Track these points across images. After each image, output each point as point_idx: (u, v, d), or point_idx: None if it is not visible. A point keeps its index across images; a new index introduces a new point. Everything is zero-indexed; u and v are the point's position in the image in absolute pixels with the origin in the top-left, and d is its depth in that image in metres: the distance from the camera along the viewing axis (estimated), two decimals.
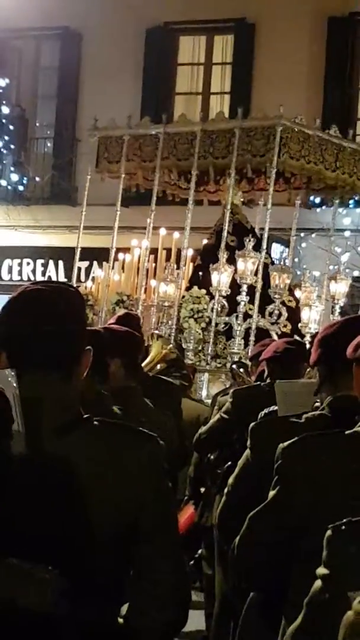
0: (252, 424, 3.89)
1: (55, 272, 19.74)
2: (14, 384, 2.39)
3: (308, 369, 7.11)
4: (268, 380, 5.71)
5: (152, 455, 2.53)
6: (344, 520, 2.17)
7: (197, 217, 12.56)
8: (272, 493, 2.94)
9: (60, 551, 2.39)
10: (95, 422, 2.52)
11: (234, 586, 5.18)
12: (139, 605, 2.50)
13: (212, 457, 7.06)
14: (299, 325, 11.89)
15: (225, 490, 3.98)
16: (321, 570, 2.23)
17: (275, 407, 4.25)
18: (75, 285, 11.49)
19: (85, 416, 2.53)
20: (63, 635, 2.37)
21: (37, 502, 2.40)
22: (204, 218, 12.93)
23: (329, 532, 2.20)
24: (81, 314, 2.64)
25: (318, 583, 2.24)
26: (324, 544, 2.21)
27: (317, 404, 3.67)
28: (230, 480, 3.97)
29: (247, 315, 11.71)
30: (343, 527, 2.17)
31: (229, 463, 6.06)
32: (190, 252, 12.79)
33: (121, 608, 2.52)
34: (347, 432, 2.86)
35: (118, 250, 13.22)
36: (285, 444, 2.92)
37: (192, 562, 8.13)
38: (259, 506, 2.99)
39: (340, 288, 12.51)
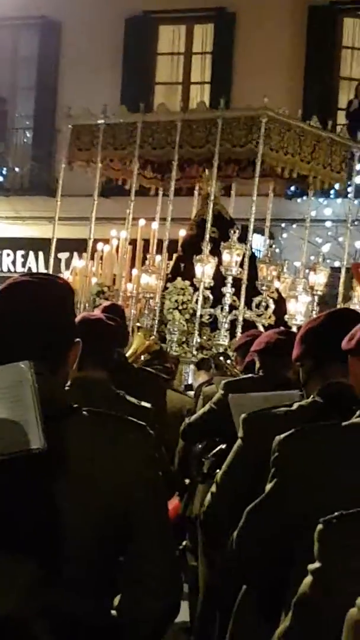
0: (243, 415, 3.85)
1: (36, 264, 19.67)
2: (30, 376, 2.37)
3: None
4: (260, 372, 5.68)
5: (141, 445, 2.52)
6: (336, 513, 2.14)
7: (173, 207, 12.53)
8: (269, 486, 2.91)
9: (42, 542, 2.36)
10: (84, 412, 2.51)
11: (227, 579, 5.13)
12: (132, 596, 2.48)
13: (199, 446, 7.03)
14: (285, 317, 11.88)
15: (213, 487, 3.93)
16: (313, 566, 2.20)
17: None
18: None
19: (74, 406, 2.50)
20: (40, 629, 2.34)
21: (21, 492, 2.37)
22: (179, 209, 12.89)
23: (320, 526, 2.16)
24: (69, 306, 2.63)
25: (308, 579, 2.20)
26: (315, 537, 2.17)
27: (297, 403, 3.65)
28: (219, 476, 3.92)
29: (232, 307, 11.71)
30: (334, 520, 2.14)
31: (216, 449, 6.03)
32: (165, 243, 12.80)
33: (114, 599, 2.51)
34: (344, 423, 2.83)
35: (98, 241, 13.20)
36: (282, 436, 2.89)
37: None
38: (257, 499, 2.96)
39: (320, 279, 12.52)
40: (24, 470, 2.36)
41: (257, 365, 5.83)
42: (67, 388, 4.47)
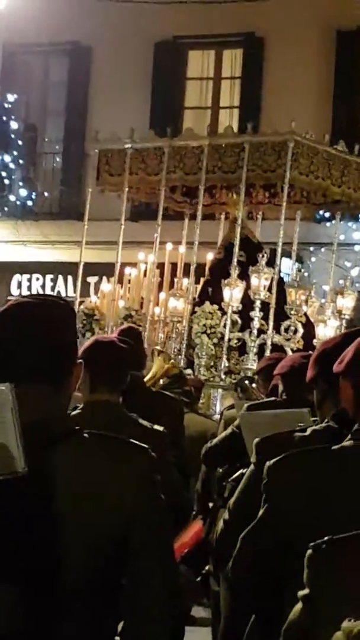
0: (256, 439, 3.82)
1: (65, 288, 19.72)
2: (11, 398, 2.34)
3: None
4: (284, 396, 5.64)
5: (143, 468, 2.50)
6: (325, 538, 2.11)
7: (200, 232, 12.54)
8: (260, 512, 2.88)
9: (36, 566, 2.34)
10: (85, 435, 2.49)
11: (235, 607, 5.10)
12: (131, 621, 2.46)
13: (220, 471, 7.00)
14: (314, 341, 11.84)
15: (226, 514, 3.89)
16: (302, 592, 2.17)
17: None
18: (79, 300, 11.38)
19: (76, 428, 2.49)
20: None
21: (16, 514, 2.35)
22: (206, 232, 12.91)
23: (309, 551, 2.13)
24: (70, 327, 2.61)
25: (298, 606, 2.18)
26: (305, 563, 2.15)
27: (308, 427, 3.61)
28: (231, 502, 3.89)
29: (260, 331, 11.69)
30: (324, 545, 2.11)
31: (237, 474, 6.00)
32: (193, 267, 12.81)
33: (117, 624, 2.48)
34: (334, 447, 2.80)
35: (126, 264, 13.22)
36: (271, 462, 2.86)
37: (199, 579, 8.06)
38: (250, 525, 2.93)
39: (347, 303, 12.48)
40: (19, 493, 2.34)
41: (280, 388, 5.79)
42: (78, 411, 4.49)
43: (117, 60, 19.25)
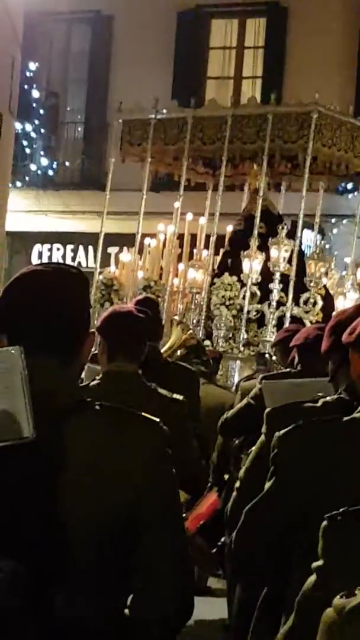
0: (267, 410, 3.79)
1: (85, 258, 19.71)
2: (21, 362, 2.30)
3: None
4: (298, 367, 5.62)
5: (155, 442, 2.45)
6: (341, 510, 2.08)
7: (221, 202, 12.46)
8: (268, 484, 2.84)
9: (45, 539, 2.30)
10: (97, 407, 2.45)
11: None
12: (139, 597, 2.41)
13: (237, 442, 6.98)
14: (333, 313, 11.76)
15: (237, 483, 3.88)
16: (317, 563, 2.14)
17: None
18: (99, 270, 11.33)
19: (87, 400, 2.45)
20: (39, 631, 2.28)
21: (23, 486, 2.31)
22: (228, 204, 12.82)
23: (325, 523, 2.11)
24: (82, 296, 2.55)
25: (312, 578, 2.14)
26: (319, 534, 2.12)
27: (321, 398, 3.58)
28: (241, 473, 3.87)
29: (279, 303, 11.63)
30: (339, 517, 2.09)
31: (252, 448, 5.99)
32: (212, 238, 12.75)
33: (127, 598, 2.44)
34: (345, 418, 2.76)
35: (146, 235, 13.16)
36: (281, 432, 2.82)
37: (214, 550, 8.05)
38: (257, 497, 2.89)
39: None
40: (25, 463, 2.31)
41: (296, 360, 5.77)
42: (97, 381, 4.46)
43: (139, 29, 19.13)
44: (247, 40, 19.45)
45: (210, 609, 7.34)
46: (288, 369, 6.07)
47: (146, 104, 12.85)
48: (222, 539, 7.76)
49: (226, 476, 7.53)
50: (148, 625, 2.43)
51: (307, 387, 4.05)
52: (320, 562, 2.11)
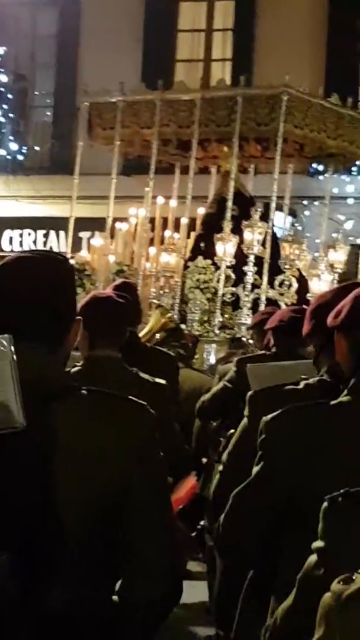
0: (249, 393, 3.80)
1: (57, 243, 19.62)
2: (11, 351, 2.29)
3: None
4: (273, 350, 5.64)
5: (142, 425, 2.44)
6: (341, 491, 2.08)
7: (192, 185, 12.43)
8: (256, 469, 2.83)
9: (34, 525, 2.29)
10: (83, 392, 2.44)
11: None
12: (127, 581, 2.42)
13: (214, 424, 7.00)
14: (308, 295, 11.81)
15: (221, 466, 3.89)
16: (317, 544, 2.13)
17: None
18: (70, 255, 11.29)
19: (73, 385, 2.44)
20: (21, 618, 2.27)
21: (13, 474, 2.30)
22: (196, 187, 12.79)
23: (325, 504, 2.10)
24: (69, 283, 2.55)
25: (312, 558, 2.14)
26: (320, 516, 2.11)
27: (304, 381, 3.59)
28: (225, 455, 3.88)
29: (254, 286, 11.64)
30: (340, 498, 2.08)
31: (231, 431, 6.00)
32: (184, 221, 12.71)
33: (116, 583, 2.44)
34: (332, 402, 2.76)
35: (118, 219, 13.12)
36: (268, 417, 2.82)
37: (194, 534, 8.08)
38: (245, 482, 2.89)
39: (339, 257, 12.43)
40: (14, 450, 2.29)
41: (271, 342, 5.79)
42: (79, 367, 4.44)
43: (107, 12, 19.02)
44: (216, 22, 19.39)
45: (190, 592, 7.35)
46: (263, 352, 6.10)
47: (115, 87, 12.79)
48: (202, 523, 7.79)
49: (204, 460, 7.54)
50: (136, 609, 2.43)
51: (291, 370, 4.06)
52: (320, 544, 2.11)
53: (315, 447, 2.70)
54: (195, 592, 7.37)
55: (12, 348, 2.28)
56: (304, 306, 6.24)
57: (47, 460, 2.30)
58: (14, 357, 2.28)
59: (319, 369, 3.61)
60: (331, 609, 1.65)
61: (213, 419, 6.92)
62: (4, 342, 2.29)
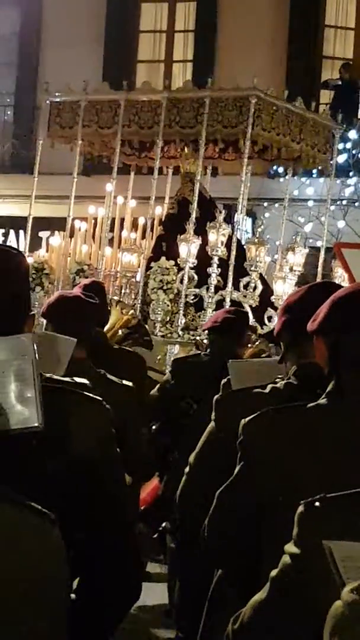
0: (215, 397, 3.82)
1: (16, 242, 19.51)
2: (33, 349, 2.27)
3: (256, 339, 7.09)
4: (208, 350, 5.77)
5: (96, 419, 2.43)
6: (318, 496, 2.06)
7: (148, 186, 12.38)
8: (237, 469, 2.84)
9: None
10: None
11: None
12: (85, 580, 2.40)
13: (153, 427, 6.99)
14: (272, 297, 11.82)
15: (187, 468, 3.90)
16: (291, 549, 2.12)
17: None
18: (28, 254, 11.15)
19: None
20: None
21: None
22: (150, 187, 12.77)
23: (301, 508, 2.08)
24: (24, 278, 2.54)
25: (286, 559, 2.12)
26: (295, 519, 2.09)
27: (279, 379, 3.59)
28: (192, 458, 3.89)
29: (217, 288, 11.64)
30: (316, 503, 2.06)
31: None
32: (142, 221, 12.68)
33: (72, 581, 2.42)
34: (309, 405, 2.76)
35: (77, 219, 13.07)
36: (247, 419, 2.83)
37: (155, 535, 8.04)
38: (226, 482, 2.89)
39: (298, 259, 12.45)
40: None
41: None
42: None
43: (69, 11, 18.96)
44: (178, 23, 19.39)
45: (150, 594, 7.33)
46: (197, 352, 6.22)
47: (77, 87, 12.73)
48: (163, 524, 7.75)
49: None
50: (93, 609, 2.41)
51: (269, 367, 4.07)
52: (295, 550, 2.10)
53: (294, 450, 2.69)
54: (154, 593, 7.35)
55: (34, 347, 2.26)
56: (238, 308, 6.39)
57: None
58: (37, 356, 2.26)
59: (287, 369, 3.61)
60: (344, 619, 1.60)
61: (157, 419, 6.93)
62: (26, 341, 2.27)
